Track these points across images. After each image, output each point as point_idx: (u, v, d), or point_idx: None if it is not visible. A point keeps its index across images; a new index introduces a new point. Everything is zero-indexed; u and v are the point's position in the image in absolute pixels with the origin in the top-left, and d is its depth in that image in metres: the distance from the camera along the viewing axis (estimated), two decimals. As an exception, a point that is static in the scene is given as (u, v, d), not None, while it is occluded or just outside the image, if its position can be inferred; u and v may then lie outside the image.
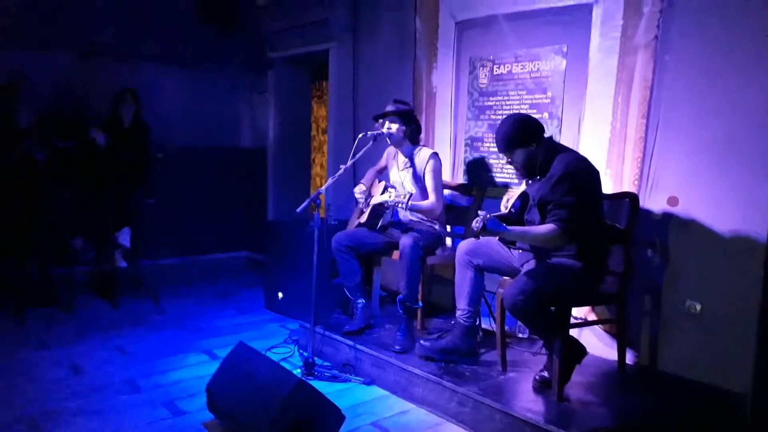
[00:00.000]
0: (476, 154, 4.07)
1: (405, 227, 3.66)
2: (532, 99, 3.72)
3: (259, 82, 6.11)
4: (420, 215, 3.65)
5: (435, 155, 3.64)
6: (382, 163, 3.97)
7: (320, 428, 2.49)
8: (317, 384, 3.03)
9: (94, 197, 4.55)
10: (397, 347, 3.33)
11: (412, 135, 3.69)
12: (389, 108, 3.67)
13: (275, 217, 6.03)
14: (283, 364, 3.03)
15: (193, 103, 5.76)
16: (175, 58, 5.56)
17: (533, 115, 2.99)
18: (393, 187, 3.64)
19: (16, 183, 4.28)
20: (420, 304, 3.58)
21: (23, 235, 4.35)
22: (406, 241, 3.40)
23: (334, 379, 3.32)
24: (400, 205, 3.22)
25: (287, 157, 6.18)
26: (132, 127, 4.74)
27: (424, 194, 3.61)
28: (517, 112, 3.62)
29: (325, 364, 3.54)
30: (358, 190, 3.79)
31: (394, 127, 3.64)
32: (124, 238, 4.55)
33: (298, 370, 3.32)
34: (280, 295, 4.58)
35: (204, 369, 3.43)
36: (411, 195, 3.28)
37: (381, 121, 3.70)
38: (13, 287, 4.45)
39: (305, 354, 3.41)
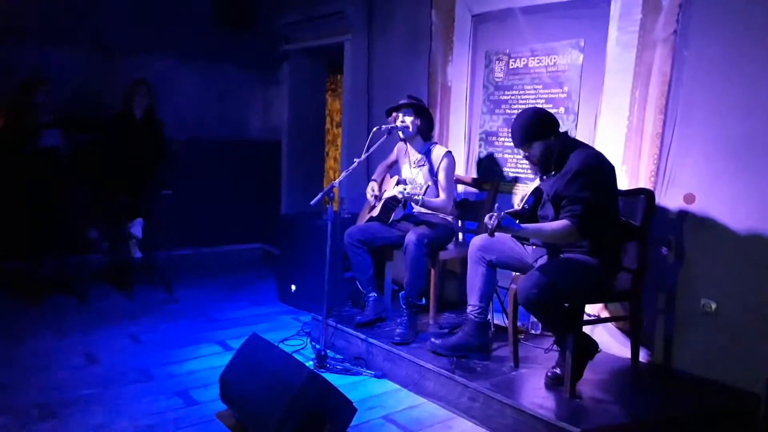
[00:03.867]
0: (491, 149, 4.05)
1: (417, 220, 3.66)
2: (548, 93, 3.69)
3: (273, 74, 6.11)
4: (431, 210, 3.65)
5: (449, 154, 3.63)
6: (393, 157, 3.96)
7: (332, 420, 2.50)
8: (329, 376, 3.05)
9: (108, 189, 4.59)
10: (396, 338, 3.35)
11: (425, 130, 3.68)
12: (403, 101, 3.66)
13: (289, 209, 6.05)
14: (295, 356, 3.05)
15: (208, 96, 5.78)
16: (190, 52, 5.57)
17: (549, 110, 2.97)
18: (405, 182, 3.64)
19: (35, 174, 4.33)
20: (423, 301, 3.59)
21: (40, 226, 4.41)
22: (410, 237, 3.40)
23: (345, 371, 3.33)
24: (416, 197, 3.21)
25: (301, 149, 6.20)
26: (144, 122, 4.73)
27: (436, 191, 3.61)
28: (533, 106, 3.59)
29: (337, 356, 3.55)
30: (370, 192, 3.78)
31: (408, 120, 3.63)
32: (137, 229, 4.59)
33: (311, 363, 3.33)
34: (293, 287, 4.59)
35: (217, 360, 3.46)
36: (429, 187, 3.26)
37: (394, 114, 3.70)
38: (29, 277, 4.50)
39: (317, 346, 3.42)
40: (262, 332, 3.03)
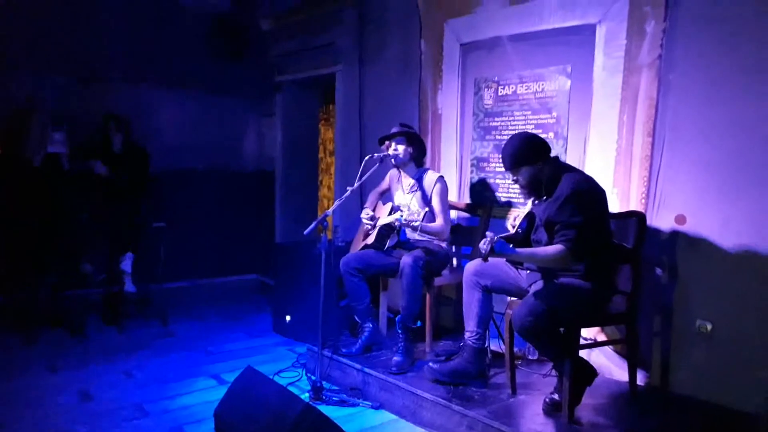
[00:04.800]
0: (482, 175, 4.08)
1: (412, 247, 3.66)
2: (537, 119, 3.73)
3: (266, 105, 6.17)
4: (428, 236, 3.65)
5: (441, 178, 3.65)
6: (384, 185, 3.98)
7: (328, 453, 2.47)
8: (325, 408, 3.01)
9: (100, 221, 4.59)
10: (393, 369, 3.32)
11: (417, 157, 3.72)
12: (395, 129, 3.70)
13: (283, 239, 6.04)
14: (291, 388, 3.02)
15: (201, 126, 5.82)
16: (183, 82, 5.63)
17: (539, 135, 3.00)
18: (399, 208, 3.65)
19: (40, 188, 4.34)
20: (419, 323, 3.56)
21: (36, 258, 4.40)
22: (406, 259, 3.40)
23: (342, 403, 3.29)
24: (414, 223, 3.21)
25: (295, 179, 6.22)
26: (123, 154, 4.79)
27: (432, 217, 3.62)
28: (523, 131, 3.62)
29: (333, 388, 3.52)
30: (365, 215, 3.79)
31: (400, 148, 3.66)
32: (126, 264, 4.59)
33: (306, 395, 3.30)
34: (288, 318, 4.57)
35: (212, 394, 3.41)
36: (427, 213, 3.26)
37: (387, 143, 3.72)
38: (23, 310, 4.47)
39: (313, 378, 3.39)
40: (258, 364, 3.01)
